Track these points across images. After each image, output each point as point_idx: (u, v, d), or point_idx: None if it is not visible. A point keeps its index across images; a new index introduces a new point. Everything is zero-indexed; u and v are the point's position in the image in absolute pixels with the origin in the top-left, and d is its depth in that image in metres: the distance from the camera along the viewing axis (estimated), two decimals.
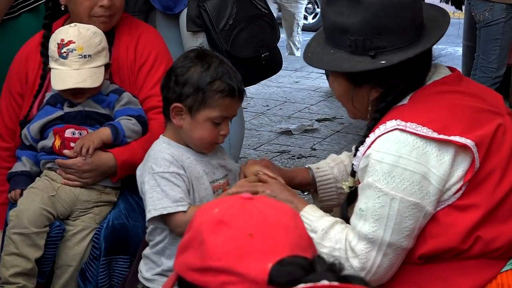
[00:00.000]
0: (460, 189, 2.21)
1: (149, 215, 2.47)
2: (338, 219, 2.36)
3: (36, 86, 3.12)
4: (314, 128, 6.47)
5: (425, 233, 2.25)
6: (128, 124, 2.97)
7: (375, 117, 2.31)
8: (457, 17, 8.07)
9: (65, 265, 2.93)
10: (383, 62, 2.24)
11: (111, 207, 3.01)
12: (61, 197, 2.94)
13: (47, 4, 3.22)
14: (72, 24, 2.96)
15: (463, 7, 6.75)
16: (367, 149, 2.25)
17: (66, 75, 2.90)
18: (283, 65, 4.06)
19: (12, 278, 2.86)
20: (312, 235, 2.25)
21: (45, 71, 3.10)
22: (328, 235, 2.30)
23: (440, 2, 6.69)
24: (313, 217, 2.35)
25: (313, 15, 11.71)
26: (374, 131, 2.25)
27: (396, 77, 2.28)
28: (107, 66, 2.98)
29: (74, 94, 2.96)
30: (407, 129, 2.19)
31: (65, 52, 2.90)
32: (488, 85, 5.69)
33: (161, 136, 2.60)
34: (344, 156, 2.77)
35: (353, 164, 2.37)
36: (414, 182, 2.17)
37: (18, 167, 3.06)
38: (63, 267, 2.94)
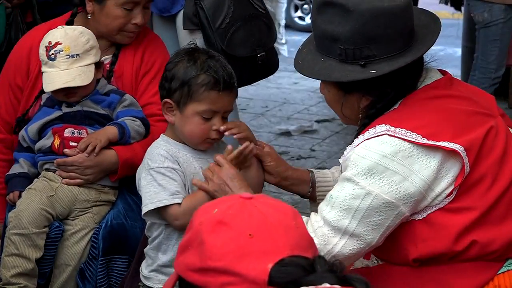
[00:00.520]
0: (451, 193, 2.21)
1: (145, 208, 2.47)
2: None
3: (38, 85, 3.09)
4: (313, 129, 6.47)
5: (416, 237, 2.24)
6: (133, 125, 2.97)
7: (364, 123, 2.31)
8: (456, 18, 8.05)
9: (63, 264, 2.93)
10: (373, 71, 2.23)
11: (110, 206, 3.00)
12: (59, 197, 2.94)
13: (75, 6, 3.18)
14: (59, 27, 2.95)
15: (462, 8, 6.74)
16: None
17: (56, 76, 2.89)
18: (282, 66, 4.06)
19: (13, 279, 2.86)
20: None
21: None
22: None
23: (439, 3, 6.68)
24: None
25: (309, 15, 11.72)
26: (363, 133, 2.25)
27: (387, 86, 2.27)
28: (98, 65, 2.97)
29: (67, 94, 2.94)
30: (396, 134, 2.18)
31: (52, 54, 2.89)
32: (487, 85, 5.68)
33: (161, 135, 2.61)
34: None
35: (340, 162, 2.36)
36: (393, 181, 2.17)
37: (15, 169, 3.05)
38: (61, 267, 2.93)
